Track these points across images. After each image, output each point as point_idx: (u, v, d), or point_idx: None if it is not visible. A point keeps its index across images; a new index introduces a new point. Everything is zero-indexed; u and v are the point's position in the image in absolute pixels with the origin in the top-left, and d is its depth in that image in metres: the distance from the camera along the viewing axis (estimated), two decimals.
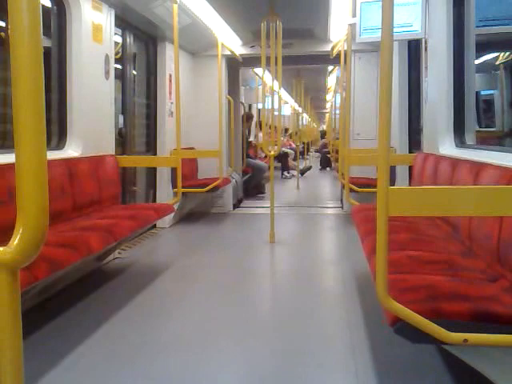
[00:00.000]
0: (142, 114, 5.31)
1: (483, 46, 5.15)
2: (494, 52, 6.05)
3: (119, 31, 4.63)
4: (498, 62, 6.12)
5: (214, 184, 5.37)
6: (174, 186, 4.84)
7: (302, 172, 11.49)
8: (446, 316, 1.52)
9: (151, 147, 5.39)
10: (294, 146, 13.10)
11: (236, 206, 6.75)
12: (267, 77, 5.82)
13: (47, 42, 3.56)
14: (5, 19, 3.45)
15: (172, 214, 4.78)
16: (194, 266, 3.90)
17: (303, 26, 5.79)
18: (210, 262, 4.05)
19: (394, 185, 4.77)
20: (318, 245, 4.95)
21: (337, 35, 5.60)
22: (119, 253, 4.11)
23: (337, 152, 8.51)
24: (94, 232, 2.80)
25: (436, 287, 1.73)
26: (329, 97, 15.40)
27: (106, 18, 3.95)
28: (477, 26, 3.73)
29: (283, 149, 11.09)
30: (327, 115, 20.70)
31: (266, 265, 4.19)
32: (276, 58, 4.51)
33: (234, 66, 6.89)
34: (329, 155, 13.76)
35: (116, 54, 4.41)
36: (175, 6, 3.89)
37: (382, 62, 1.46)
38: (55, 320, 2.72)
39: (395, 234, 2.57)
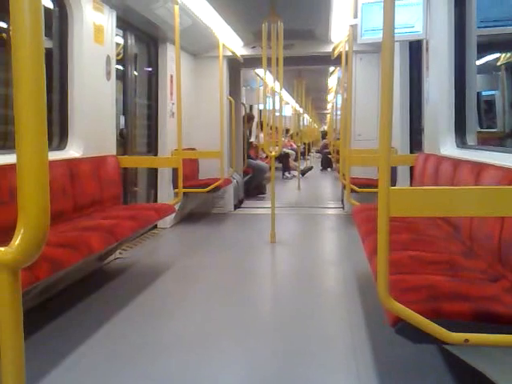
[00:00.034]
0: (143, 114, 5.32)
1: (484, 47, 5.15)
2: (495, 53, 6.05)
3: (120, 32, 4.63)
4: (499, 63, 6.11)
5: (215, 184, 5.38)
6: (175, 186, 4.84)
7: (303, 172, 11.49)
8: (446, 316, 1.52)
9: (152, 148, 5.40)
10: (294, 146, 13.09)
11: (237, 206, 6.75)
12: (268, 77, 5.82)
13: (49, 43, 3.57)
14: (6, 20, 3.46)
15: (173, 215, 4.79)
16: (195, 267, 3.90)
17: (304, 27, 5.80)
18: (210, 262, 4.05)
19: (395, 185, 4.76)
20: (318, 245, 4.95)
21: (338, 36, 5.60)
22: (120, 253, 4.12)
23: (338, 152, 8.51)
24: (95, 232, 2.80)
25: (437, 287, 1.73)
26: (330, 97, 15.40)
27: (107, 19, 3.95)
28: (478, 27, 3.73)
29: (284, 149, 11.09)
30: (328, 116, 20.71)
31: (267, 265, 4.19)
32: (277, 59, 4.51)
33: (235, 66, 6.90)
34: (330, 156, 13.76)
35: (117, 55, 4.42)
36: (176, 7, 3.89)
37: (383, 63, 1.47)
38: (56, 320, 2.72)
39: (396, 235, 2.57)
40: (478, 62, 5.01)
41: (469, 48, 3.50)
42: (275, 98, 4.90)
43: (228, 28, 5.68)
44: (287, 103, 14.90)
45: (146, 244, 4.65)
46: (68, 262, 2.36)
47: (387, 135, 1.45)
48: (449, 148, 3.48)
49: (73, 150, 3.59)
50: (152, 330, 2.59)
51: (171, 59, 5.37)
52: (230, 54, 5.88)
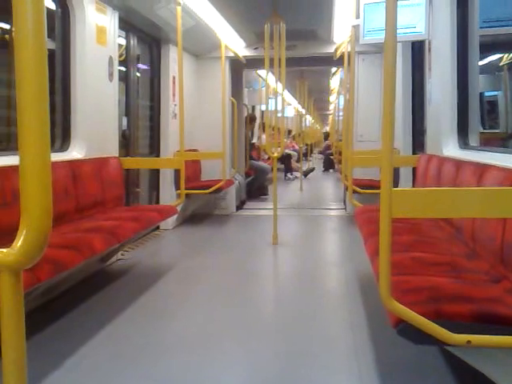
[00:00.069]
0: (146, 115, 5.33)
1: (487, 47, 5.14)
2: (497, 53, 6.04)
3: (123, 33, 4.64)
4: (501, 63, 6.11)
5: (217, 186, 5.38)
6: (177, 187, 4.85)
7: (305, 174, 11.48)
8: (449, 317, 1.52)
9: (155, 149, 5.40)
10: (297, 147, 13.09)
11: (239, 207, 6.75)
12: (270, 78, 5.83)
13: (51, 45, 3.58)
14: (9, 22, 3.47)
15: (175, 216, 4.79)
16: (197, 268, 3.90)
17: (306, 28, 5.80)
18: (213, 263, 4.05)
19: (397, 186, 4.76)
20: (320, 246, 4.94)
21: (340, 37, 5.60)
22: (122, 254, 4.12)
23: (340, 154, 8.52)
24: (98, 233, 2.80)
25: (439, 289, 1.72)
26: (332, 98, 15.42)
27: (109, 21, 3.96)
28: (481, 27, 3.72)
29: (286, 150, 11.09)
30: (330, 117, 20.71)
31: (269, 266, 4.19)
32: (279, 60, 4.52)
33: (238, 67, 6.90)
34: (332, 157, 13.76)
35: (120, 56, 4.43)
36: (179, 9, 3.90)
37: (385, 64, 1.47)
38: (58, 321, 2.73)
39: (398, 236, 2.57)
40: (481, 63, 5.01)
41: (471, 48, 3.49)
42: (277, 98, 4.88)
43: (230, 29, 5.69)
44: (289, 104, 14.90)
45: (148, 245, 4.65)
46: (70, 263, 2.36)
47: (390, 136, 1.45)
48: (451, 149, 3.48)
49: (75, 152, 3.60)
50: (154, 331, 2.59)
51: (173, 60, 5.37)
52: (233, 54, 5.88)
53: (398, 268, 1.98)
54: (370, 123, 5.90)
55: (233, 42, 5.97)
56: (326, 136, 19.74)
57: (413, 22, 3.91)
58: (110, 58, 3.99)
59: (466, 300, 1.62)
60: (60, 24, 3.57)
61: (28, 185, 0.93)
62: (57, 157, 3.32)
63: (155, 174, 5.40)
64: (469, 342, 1.45)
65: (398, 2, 1.48)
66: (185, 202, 5.08)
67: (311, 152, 16.19)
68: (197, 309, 2.98)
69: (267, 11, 4.49)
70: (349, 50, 4.57)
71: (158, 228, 5.22)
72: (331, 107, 18.65)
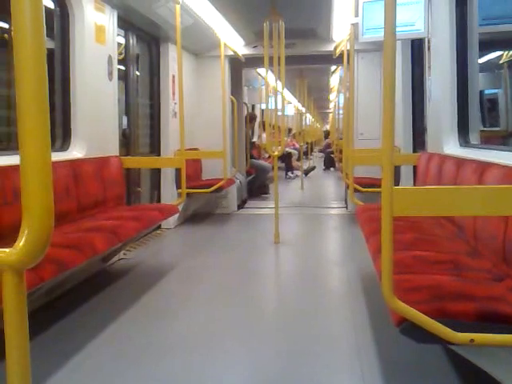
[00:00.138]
0: (146, 114, 5.32)
1: (487, 45, 5.13)
2: (497, 51, 6.03)
3: (122, 32, 4.64)
4: (501, 61, 6.09)
5: (219, 185, 5.38)
6: (179, 186, 4.85)
7: (306, 172, 11.48)
8: (451, 316, 1.52)
9: (155, 148, 5.40)
10: (297, 146, 13.08)
11: (240, 206, 6.75)
12: (270, 77, 5.82)
13: (50, 44, 3.57)
14: (8, 21, 3.46)
15: (176, 215, 4.79)
16: (198, 267, 3.90)
17: (306, 26, 5.79)
18: (214, 262, 4.05)
19: (398, 185, 4.75)
20: (322, 245, 4.94)
21: (339, 35, 5.60)
22: (124, 254, 4.12)
23: (340, 152, 8.52)
24: (99, 233, 2.80)
25: (442, 287, 1.72)
26: (332, 97, 15.40)
27: (108, 19, 3.96)
28: (480, 25, 3.71)
29: (287, 149, 11.08)
30: (331, 115, 20.71)
31: (271, 265, 4.19)
32: (279, 58, 4.51)
33: (237, 66, 6.89)
34: (332, 155, 13.75)
35: (119, 54, 4.42)
36: (178, 7, 3.89)
37: (385, 62, 1.46)
38: (61, 321, 2.73)
39: (400, 234, 2.56)
40: (481, 60, 5.00)
41: (471, 46, 3.48)
42: (277, 97, 4.88)
43: (229, 27, 5.68)
44: (289, 103, 14.90)
45: (149, 245, 4.65)
46: (72, 262, 2.36)
47: (390, 134, 1.45)
48: (452, 147, 3.47)
49: (76, 151, 3.60)
50: (156, 331, 2.59)
51: (173, 59, 5.37)
52: (232, 53, 5.87)
53: (400, 266, 1.98)
54: (370, 121, 5.89)
55: (232, 41, 5.97)
56: (327, 134, 19.72)
57: (412, 19, 3.90)
58: (110, 57, 3.99)
59: (468, 298, 1.61)
60: (59, 23, 3.57)
61: (29, 184, 0.93)
62: (57, 156, 3.32)
63: (156, 173, 5.40)
64: (472, 340, 1.45)
65: (397, 0, 1.48)
66: (186, 201, 5.08)
67: (312, 150, 16.19)
68: (199, 308, 2.98)
69: (266, 9, 4.48)
70: (348, 48, 4.56)
71: (159, 227, 5.22)
72: (331, 105, 18.65)
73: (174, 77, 5.43)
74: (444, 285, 1.75)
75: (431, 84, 3.93)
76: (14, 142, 3.34)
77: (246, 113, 8.26)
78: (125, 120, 4.78)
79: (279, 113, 4.97)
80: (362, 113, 5.94)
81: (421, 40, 4.27)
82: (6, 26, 3.56)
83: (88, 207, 3.48)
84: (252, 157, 8.26)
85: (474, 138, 3.50)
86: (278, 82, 4.77)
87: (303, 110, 14.33)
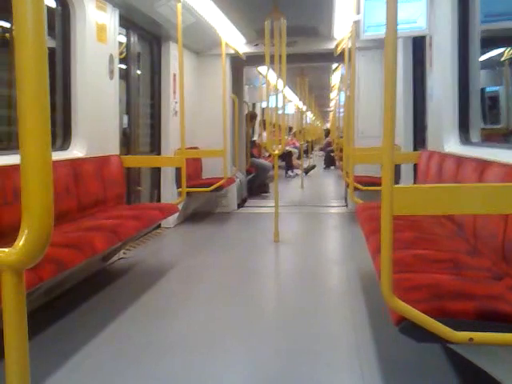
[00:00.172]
0: (147, 113, 5.32)
1: (488, 42, 5.12)
2: (499, 48, 6.01)
3: (123, 31, 4.63)
4: (503, 59, 6.08)
5: (219, 184, 5.37)
6: (179, 185, 4.84)
7: (306, 171, 11.47)
8: (451, 315, 1.52)
9: (155, 147, 5.40)
10: (298, 144, 13.07)
11: (240, 205, 6.75)
12: (271, 75, 5.82)
13: (51, 43, 3.57)
14: (9, 20, 3.46)
15: (176, 214, 4.79)
16: (198, 266, 3.90)
17: (307, 24, 5.78)
18: (214, 261, 4.05)
19: (398, 183, 4.75)
20: (322, 244, 4.94)
21: (341, 33, 5.58)
22: (124, 253, 4.12)
23: (341, 150, 8.50)
24: (99, 232, 2.80)
25: (441, 286, 1.72)
26: (333, 95, 15.37)
27: (110, 18, 3.95)
28: (482, 22, 3.70)
29: (287, 148, 11.08)
30: (331, 113, 20.67)
31: (271, 264, 4.19)
32: (280, 57, 4.50)
33: (238, 64, 6.89)
34: (333, 154, 13.73)
35: (120, 53, 4.42)
36: (179, 5, 3.89)
37: (386, 59, 1.46)
38: (61, 320, 2.73)
39: (400, 233, 2.56)
40: (482, 58, 4.99)
41: (472, 43, 3.48)
42: (278, 95, 4.87)
43: (230, 26, 5.68)
44: (290, 101, 14.88)
45: (149, 244, 4.65)
46: (72, 262, 2.36)
47: (391, 133, 1.45)
48: (452, 145, 3.47)
49: (76, 150, 3.60)
50: (156, 330, 2.60)
51: (174, 58, 5.37)
52: (233, 51, 5.87)
53: (400, 265, 1.98)
54: (370, 119, 5.88)
55: (233, 39, 5.96)
56: (327, 133, 19.68)
57: (413, 17, 3.90)
58: (111, 56, 3.99)
59: (468, 297, 1.61)
60: (60, 22, 3.57)
61: (29, 184, 0.93)
62: (58, 156, 3.32)
63: (156, 172, 5.40)
64: (471, 339, 1.45)
65: None
66: (186, 200, 5.08)
67: (312, 149, 16.17)
68: (199, 307, 2.98)
69: (267, 8, 4.47)
70: (349, 45, 4.55)
71: (159, 226, 5.22)
72: (332, 104, 18.61)
73: (174, 75, 5.42)
74: (443, 284, 1.75)
75: (432, 82, 3.93)
76: (15, 141, 3.34)
77: (246, 111, 8.25)
78: (125, 119, 4.78)
79: (280, 111, 4.97)
80: (363, 111, 5.93)
81: (422, 37, 4.26)
82: (7, 25, 3.55)
83: (88, 206, 3.48)
84: (252, 155, 8.25)
85: (474, 135, 3.49)
86: (279, 80, 4.77)
87: (304, 108, 14.31)
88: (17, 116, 0.94)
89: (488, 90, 6.32)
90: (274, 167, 4.95)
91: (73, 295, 3.14)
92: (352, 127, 4.72)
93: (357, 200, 4.13)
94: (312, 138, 17.60)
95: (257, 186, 8.11)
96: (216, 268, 3.84)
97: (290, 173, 11.60)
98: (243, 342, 2.46)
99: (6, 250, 0.95)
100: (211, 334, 2.54)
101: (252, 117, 9.02)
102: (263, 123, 10.36)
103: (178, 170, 4.51)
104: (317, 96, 16.46)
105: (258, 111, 11.29)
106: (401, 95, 5.00)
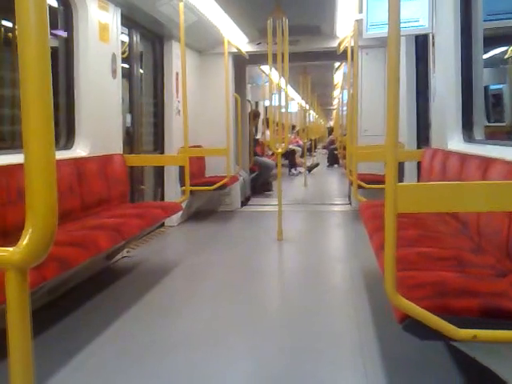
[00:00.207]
0: (150, 112, 5.32)
1: (492, 40, 5.10)
2: (502, 46, 5.99)
3: (126, 30, 4.64)
4: (506, 56, 6.06)
5: (222, 182, 5.37)
6: (182, 184, 4.85)
7: (310, 169, 11.46)
8: (455, 312, 1.51)
9: (159, 146, 5.40)
10: (301, 142, 13.05)
11: (244, 203, 6.75)
12: (274, 74, 5.81)
13: (54, 42, 3.58)
14: (12, 20, 3.47)
15: (180, 213, 4.80)
16: (202, 265, 3.90)
17: (310, 23, 5.77)
18: (218, 260, 4.06)
19: (402, 181, 4.74)
20: (325, 242, 4.94)
21: (343, 31, 5.57)
22: (128, 251, 4.13)
23: (344, 148, 8.49)
24: (103, 231, 2.81)
25: (445, 283, 1.72)
26: (336, 93, 15.36)
27: (112, 18, 3.96)
28: (485, 20, 3.69)
29: (290, 146, 11.07)
30: (334, 112, 20.65)
31: (274, 263, 4.19)
32: (282, 55, 4.50)
33: (241, 63, 6.88)
34: (336, 152, 13.72)
35: (123, 53, 4.42)
36: (181, 5, 3.89)
37: (389, 58, 1.46)
38: (64, 319, 2.74)
39: (403, 231, 2.56)
40: (486, 56, 4.97)
41: (475, 41, 3.46)
42: (281, 94, 4.87)
43: (233, 24, 5.67)
44: (293, 99, 14.87)
45: (153, 242, 4.66)
46: (76, 261, 2.37)
47: (394, 130, 1.44)
48: (456, 143, 3.46)
49: (80, 149, 3.61)
50: (160, 328, 2.60)
51: (176, 56, 5.37)
52: (235, 50, 5.86)
53: (404, 263, 1.97)
54: (374, 118, 5.87)
55: (236, 38, 5.95)
56: (330, 131, 19.67)
57: (416, 15, 3.88)
58: (113, 55, 3.99)
59: (472, 295, 1.61)
60: (63, 21, 3.57)
61: (33, 183, 0.93)
62: (61, 155, 3.33)
63: (160, 171, 5.41)
64: (475, 336, 1.44)
65: None
66: (189, 199, 5.08)
67: (315, 147, 16.16)
68: (202, 305, 2.98)
69: (270, 6, 4.47)
70: (352, 44, 4.54)
71: (162, 225, 5.23)
72: (335, 102, 18.60)
73: (177, 74, 5.43)
74: (447, 281, 1.75)
75: (435, 80, 3.92)
76: (18, 140, 3.35)
77: (249, 110, 8.25)
78: (128, 118, 4.78)
79: (283, 110, 4.96)
80: (366, 109, 5.92)
81: (425, 36, 4.24)
82: (10, 24, 3.56)
83: (92, 205, 3.49)
84: (255, 154, 8.25)
85: (478, 133, 3.48)
86: (282, 78, 4.76)
87: (307, 106, 14.30)
88: (20, 115, 0.95)
89: (492, 87, 6.30)
90: (277, 165, 4.95)
91: (76, 294, 3.15)
92: (355, 125, 4.71)
93: (360, 198, 4.13)
94: (315, 136, 17.59)
95: (260, 184, 8.10)
96: (219, 266, 3.85)
97: (293, 171, 11.59)
98: (247, 340, 2.46)
99: (11, 249, 0.95)
100: (215, 332, 2.55)
101: (255, 115, 9.01)
102: (266, 121, 10.35)
103: (182, 168, 4.51)
104: (320, 94, 16.43)
105: (261, 110, 11.29)
106: (404, 93, 4.98)
